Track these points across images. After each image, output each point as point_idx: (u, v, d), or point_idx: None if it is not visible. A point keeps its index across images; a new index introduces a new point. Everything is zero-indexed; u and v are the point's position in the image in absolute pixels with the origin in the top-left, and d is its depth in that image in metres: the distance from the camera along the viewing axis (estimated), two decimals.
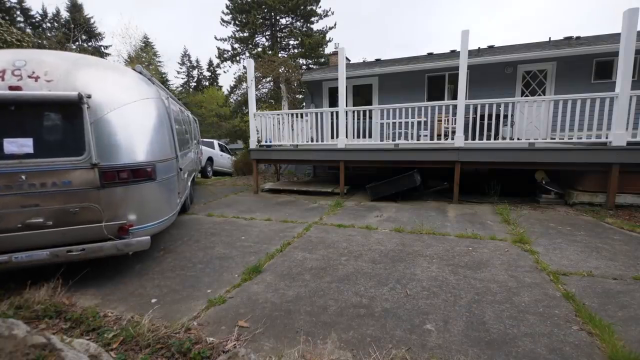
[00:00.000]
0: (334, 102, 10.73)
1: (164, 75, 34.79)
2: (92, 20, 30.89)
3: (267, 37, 24.86)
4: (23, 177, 2.72)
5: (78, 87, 2.87)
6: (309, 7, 23.53)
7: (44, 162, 2.78)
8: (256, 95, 9.79)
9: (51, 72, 2.91)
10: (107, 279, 3.06)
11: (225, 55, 25.19)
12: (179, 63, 43.36)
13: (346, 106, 7.07)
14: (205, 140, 12.83)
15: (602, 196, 5.58)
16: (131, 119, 3.20)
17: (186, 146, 5.71)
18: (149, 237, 3.04)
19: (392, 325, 2.22)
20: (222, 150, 14.47)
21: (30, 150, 2.76)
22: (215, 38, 24.77)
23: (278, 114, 7.85)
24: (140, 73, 3.78)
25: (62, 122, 2.92)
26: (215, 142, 14.34)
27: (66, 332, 2.16)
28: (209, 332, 2.18)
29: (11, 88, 2.74)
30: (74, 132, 2.87)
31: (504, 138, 6.99)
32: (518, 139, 6.34)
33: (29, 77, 2.84)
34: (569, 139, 6.01)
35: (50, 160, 2.80)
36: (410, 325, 2.22)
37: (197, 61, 43.32)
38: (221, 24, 24.91)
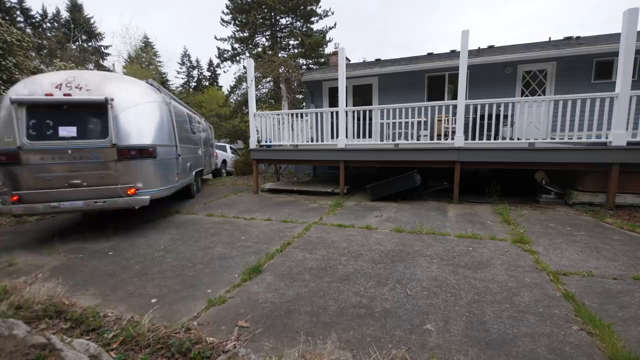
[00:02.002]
0: (334, 102, 10.73)
1: (164, 75, 34.73)
2: (92, 21, 30.91)
3: (267, 37, 24.88)
4: (69, 151, 4.19)
5: (105, 94, 4.31)
6: (309, 7, 23.56)
7: (83, 142, 4.24)
8: (256, 95, 9.79)
9: (89, 84, 4.41)
10: (107, 279, 3.06)
11: (225, 55, 25.23)
12: (179, 63, 43.35)
13: (346, 106, 7.07)
14: (218, 144, 14.51)
15: (602, 196, 5.58)
16: (140, 115, 4.65)
17: (191, 143, 7.10)
18: (148, 197, 4.45)
19: (392, 325, 2.22)
20: (233, 152, 16.47)
21: (75, 134, 4.23)
22: (215, 38, 24.85)
23: (278, 114, 7.85)
24: (151, 85, 5.22)
25: (94, 116, 4.33)
26: (228, 146, 16.22)
27: (66, 332, 2.16)
28: (209, 332, 2.18)
29: (65, 95, 4.26)
30: (102, 123, 4.32)
31: (504, 138, 6.98)
32: (518, 139, 6.33)
33: (76, 87, 4.35)
34: (569, 139, 6.01)
35: (86, 141, 4.25)
36: (410, 325, 2.22)
37: (197, 61, 43.24)
38: (221, 24, 24.97)
